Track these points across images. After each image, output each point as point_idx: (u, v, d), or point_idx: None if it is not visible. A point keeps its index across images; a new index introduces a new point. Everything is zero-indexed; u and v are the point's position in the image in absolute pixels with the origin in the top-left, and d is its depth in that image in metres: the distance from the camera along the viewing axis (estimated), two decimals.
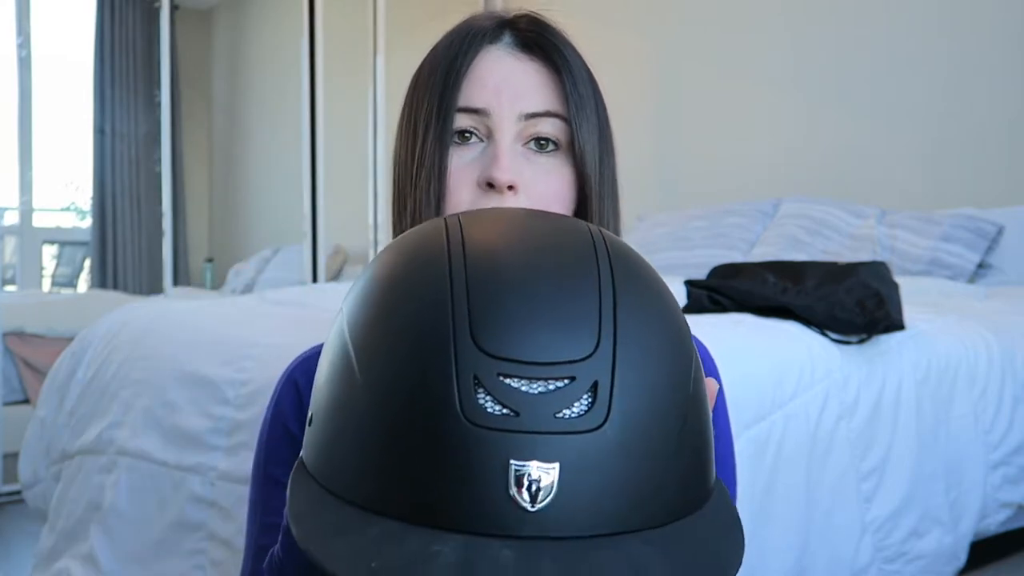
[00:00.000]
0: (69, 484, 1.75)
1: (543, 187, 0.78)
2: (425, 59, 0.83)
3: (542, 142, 0.79)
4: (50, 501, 1.84)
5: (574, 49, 0.82)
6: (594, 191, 0.79)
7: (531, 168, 0.78)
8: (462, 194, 0.78)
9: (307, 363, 0.86)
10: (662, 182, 3.94)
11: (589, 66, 0.83)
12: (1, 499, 3.04)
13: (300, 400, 0.84)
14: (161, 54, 3.67)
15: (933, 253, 2.67)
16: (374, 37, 3.98)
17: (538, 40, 0.80)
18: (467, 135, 0.78)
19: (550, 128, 0.79)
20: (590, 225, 0.57)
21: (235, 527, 1.38)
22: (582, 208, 0.80)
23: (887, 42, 3.21)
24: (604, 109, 0.83)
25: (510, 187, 0.76)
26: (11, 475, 2.90)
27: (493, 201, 0.76)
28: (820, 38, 3.40)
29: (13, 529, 2.78)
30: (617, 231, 0.82)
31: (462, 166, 0.78)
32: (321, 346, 0.87)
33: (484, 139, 0.79)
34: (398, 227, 0.82)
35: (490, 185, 0.76)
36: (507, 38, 0.81)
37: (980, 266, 2.67)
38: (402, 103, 0.84)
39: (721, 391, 0.89)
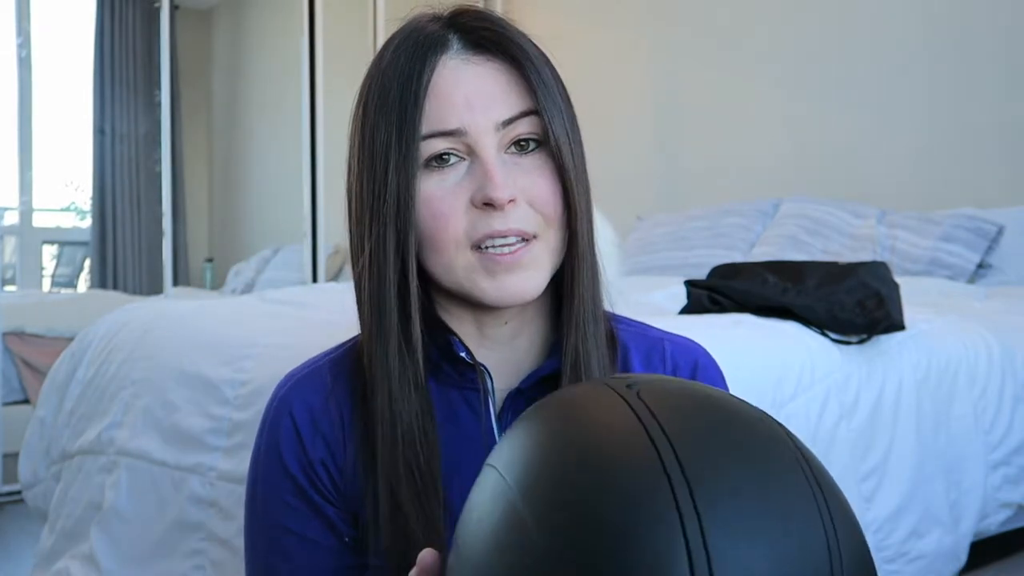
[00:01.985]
0: (69, 484, 1.75)
1: (537, 190, 0.76)
2: (370, 80, 0.78)
3: (522, 143, 0.76)
4: (50, 501, 1.84)
5: (524, 35, 0.79)
6: (571, 180, 0.76)
7: (521, 174, 0.76)
8: (458, 219, 0.74)
9: (300, 391, 0.81)
10: (662, 182, 3.94)
11: (542, 48, 0.79)
12: (1, 499, 3.04)
13: (298, 435, 0.80)
14: (161, 54, 3.67)
15: (933, 253, 2.67)
16: (374, 37, 3.99)
17: (489, 36, 0.77)
18: (445, 157, 0.75)
19: (528, 127, 0.76)
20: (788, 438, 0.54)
21: (235, 527, 1.38)
22: (564, 199, 0.77)
23: (887, 42, 3.21)
24: (564, 88, 0.80)
25: (510, 201, 0.74)
26: (11, 475, 2.90)
27: (495, 219, 0.74)
28: (820, 38, 3.40)
29: (13, 529, 2.78)
30: (590, 217, 0.80)
31: (449, 190, 0.74)
32: (312, 362, 0.83)
33: (465, 157, 0.75)
34: (357, 263, 0.77)
35: (487, 204, 0.74)
36: (456, 42, 0.77)
37: (980, 266, 2.67)
38: (349, 126, 0.79)
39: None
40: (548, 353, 0.83)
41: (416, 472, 0.75)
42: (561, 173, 0.76)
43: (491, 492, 0.51)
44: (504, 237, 0.74)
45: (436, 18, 0.78)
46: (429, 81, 0.74)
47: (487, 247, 0.75)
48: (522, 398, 0.81)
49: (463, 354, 0.78)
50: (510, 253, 0.75)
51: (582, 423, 0.51)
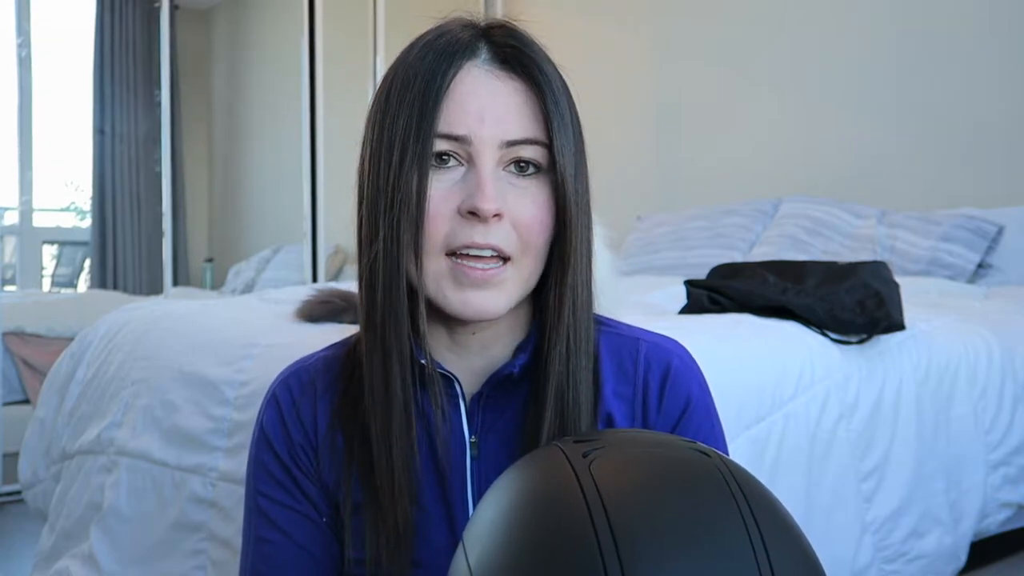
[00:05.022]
0: (69, 484, 1.75)
1: (526, 212, 0.77)
2: (394, 72, 0.80)
3: (522, 165, 0.78)
4: (50, 501, 1.84)
5: (550, 61, 0.80)
6: (572, 213, 0.78)
7: (513, 193, 0.77)
8: (442, 222, 0.75)
9: (287, 382, 0.87)
10: (662, 182, 3.94)
11: (562, 73, 0.81)
12: (1, 499, 3.04)
13: (282, 419, 0.85)
14: (161, 54, 3.67)
15: (933, 253, 2.67)
16: (374, 37, 3.98)
17: (516, 55, 0.78)
18: (445, 158, 0.76)
19: (531, 154, 0.77)
20: (723, 472, 0.58)
21: (235, 527, 1.38)
22: (561, 227, 0.78)
23: (887, 42, 3.21)
24: (578, 118, 0.81)
25: (495, 215, 0.75)
26: (11, 475, 2.90)
27: (477, 229, 0.75)
28: (820, 38, 3.40)
29: (13, 529, 2.78)
30: (590, 241, 0.81)
31: (442, 191, 0.76)
32: (307, 358, 0.88)
33: (464, 163, 0.77)
34: (366, 254, 0.78)
35: (472, 213, 0.75)
36: (484, 53, 0.78)
37: (980, 266, 2.67)
38: (368, 117, 0.81)
39: (708, 393, 0.88)
40: (516, 356, 0.84)
41: (394, 470, 0.78)
42: (562, 204, 0.78)
43: (455, 567, 0.60)
44: (480, 250, 0.75)
45: (469, 26, 0.80)
46: (452, 82, 0.76)
47: (461, 256, 0.76)
48: (485, 401, 0.83)
49: (423, 361, 0.79)
50: (482, 271, 0.76)
51: (531, 503, 0.58)
